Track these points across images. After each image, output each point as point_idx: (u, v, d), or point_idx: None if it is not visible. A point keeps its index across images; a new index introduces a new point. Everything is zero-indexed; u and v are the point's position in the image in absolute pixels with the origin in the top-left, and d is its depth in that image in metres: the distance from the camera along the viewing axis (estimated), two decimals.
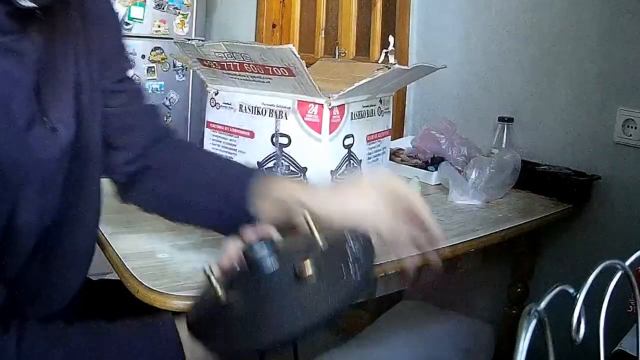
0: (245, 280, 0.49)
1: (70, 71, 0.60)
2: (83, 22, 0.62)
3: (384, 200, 0.55)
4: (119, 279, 0.74)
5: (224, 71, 0.83)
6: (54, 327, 0.51)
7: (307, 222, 0.50)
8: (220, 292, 0.47)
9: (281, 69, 0.75)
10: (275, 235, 0.51)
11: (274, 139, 0.82)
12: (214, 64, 0.83)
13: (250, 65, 0.79)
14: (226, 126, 0.88)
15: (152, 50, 2.43)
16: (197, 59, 0.85)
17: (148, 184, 0.70)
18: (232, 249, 0.52)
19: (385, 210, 0.55)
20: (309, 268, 0.45)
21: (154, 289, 0.66)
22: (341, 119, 0.80)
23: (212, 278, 0.48)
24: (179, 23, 2.46)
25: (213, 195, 0.66)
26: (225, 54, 0.79)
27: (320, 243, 0.49)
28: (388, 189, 0.55)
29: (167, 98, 2.54)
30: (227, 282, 0.49)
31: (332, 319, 0.44)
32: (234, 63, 0.80)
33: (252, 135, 0.84)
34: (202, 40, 0.83)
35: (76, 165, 0.60)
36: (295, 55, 0.72)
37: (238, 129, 0.86)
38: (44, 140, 0.55)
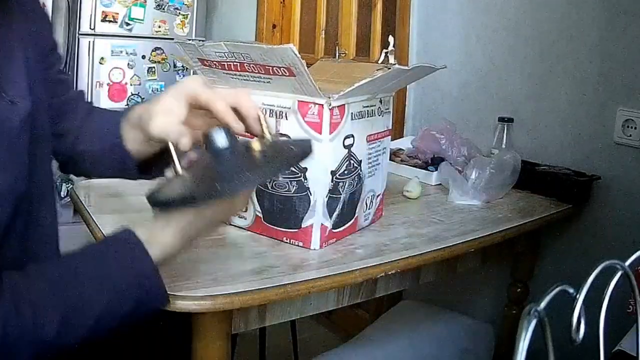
0: (202, 156, 0.59)
1: (20, 55, 0.65)
2: (22, 14, 0.69)
3: (179, 98, 0.63)
4: None
5: (225, 71, 0.83)
6: (30, 267, 0.56)
7: (260, 120, 0.61)
8: (177, 165, 0.58)
9: (282, 68, 0.75)
10: (234, 125, 0.61)
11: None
12: (215, 64, 0.83)
13: (251, 66, 0.79)
14: None
15: (152, 51, 2.43)
16: (198, 59, 0.85)
17: (79, 155, 0.79)
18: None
19: (178, 105, 0.63)
20: (257, 144, 0.58)
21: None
22: (341, 119, 0.80)
23: (173, 151, 0.58)
24: (179, 23, 2.47)
25: (102, 141, 0.76)
26: (226, 54, 0.79)
27: (268, 136, 0.61)
28: (186, 89, 0.63)
29: None
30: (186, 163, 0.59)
31: (272, 176, 0.57)
32: (235, 63, 0.80)
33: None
34: (203, 41, 0.83)
35: (33, 140, 0.65)
36: (295, 54, 0.72)
37: None
38: (5, 110, 0.61)
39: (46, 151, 0.71)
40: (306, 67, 0.74)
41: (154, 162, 0.75)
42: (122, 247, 0.58)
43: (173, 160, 0.59)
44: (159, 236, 0.58)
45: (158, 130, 0.62)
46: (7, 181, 0.59)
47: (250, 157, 0.58)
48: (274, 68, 0.76)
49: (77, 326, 0.54)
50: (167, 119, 0.62)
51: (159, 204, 0.57)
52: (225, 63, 0.82)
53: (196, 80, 0.64)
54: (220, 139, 0.57)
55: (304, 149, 0.60)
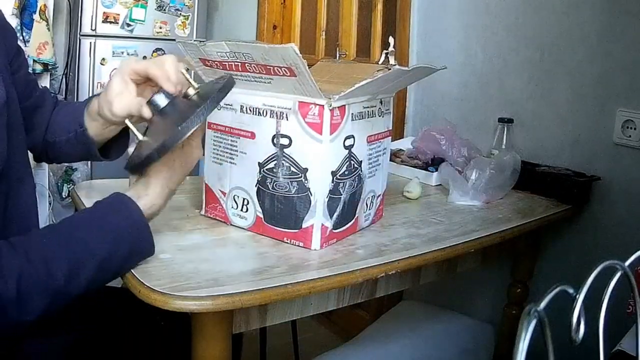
0: (154, 120, 0.72)
1: None
2: None
3: (123, 78, 0.74)
4: (121, 286, 0.74)
5: (226, 72, 0.83)
6: (33, 230, 0.67)
7: (184, 74, 0.72)
8: (138, 134, 0.72)
9: (283, 68, 0.76)
10: (166, 85, 0.70)
11: (275, 139, 0.82)
12: (216, 64, 0.83)
13: (252, 65, 0.79)
14: (227, 127, 0.88)
15: (153, 52, 2.43)
16: (199, 59, 0.85)
17: (50, 145, 0.87)
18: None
19: (125, 84, 0.74)
20: (191, 90, 0.71)
21: (156, 289, 0.66)
22: (342, 120, 0.81)
23: (130, 125, 0.72)
24: (180, 24, 2.47)
25: (67, 131, 0.84)
26: (228, 54, 0.80)
27: (195, 85, 0.73)
28: (124, 69, 0.74)
29: None
30: (144, 130, 0.73)
31: (213, 107, 0.66)
32: (236, 63, 0.80)
33: (253, 136, 0.85)
34: (204, 41, 0.84)
35: (9, 127, 0.72)
36: (297, 54, 0.72)
37: (239, 129, 0.86)
38: None
39: (20, 137, 0.78)
40: (307, 67, 0.74)
41: (113, 144, 0.86)
42: (115, 202, 0.67)
43: (133, 133, 0.72)
44: (144, 192, 0.69)
45: (121, 111, 0.73)
46: None
47: (190, 100, 0.71)
48: (275, 68, 0.77)
49: (82, 272, 0.61)
50: (124, 99, 0.73)
51: (138, 165, 0.67)
52: (227, 63, 0.82)
53: (129, 60, 0.76)
54: (160, 99, 0.70)
55: (228, 80, 0.69)
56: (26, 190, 0.79)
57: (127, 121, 0.72)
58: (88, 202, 0.97)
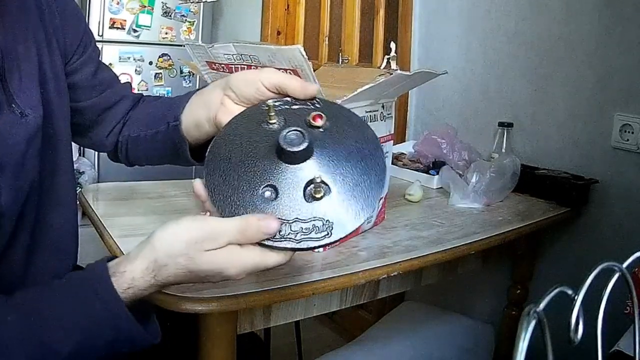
0: None
1: (33, 60, 0.63)
2: (41, 14, 0.66)
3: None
4: None
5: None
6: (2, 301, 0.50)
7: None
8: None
9: (288, 71, 0.76)
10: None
11: None
12: (223, 67, 0.84)
13: (258, 68, 0.80)
14: None
15: (159, 57, 2.45)
16: (206, 62, 0.86)
17: (132, 140, 0.78)
18: None
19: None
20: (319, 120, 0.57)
21: (162, 291, 0.66)
22: None
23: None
24: (185, 30, 2.48)
25: (155, 124, 0.74)
26: (234, 56, 0.80)
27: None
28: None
29: None
30: None
31: None
32: (242, 66, 0.81)
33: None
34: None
35: (47, 148, 0.64)
36: (302, 55, 0.72)
37: None
38: (12, 126, 0.59)
39: (66, 156, 0.70)
40: (312, 69, 0.75)
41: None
42: (83, 286, 0.50)
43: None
44: (126, 265, 0.50)
45: (270, 81, 0.62)
46: (11, 198, 0.58)
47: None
48: (281, 70, 0.78)
49: None
50: (274, 73, 0.63)
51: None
52: (233, 66, 0.82)
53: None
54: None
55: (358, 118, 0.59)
56: (65, 215, 0.71)
57: (270, 102, 0.58)
58: (95, 205, 0.98)
